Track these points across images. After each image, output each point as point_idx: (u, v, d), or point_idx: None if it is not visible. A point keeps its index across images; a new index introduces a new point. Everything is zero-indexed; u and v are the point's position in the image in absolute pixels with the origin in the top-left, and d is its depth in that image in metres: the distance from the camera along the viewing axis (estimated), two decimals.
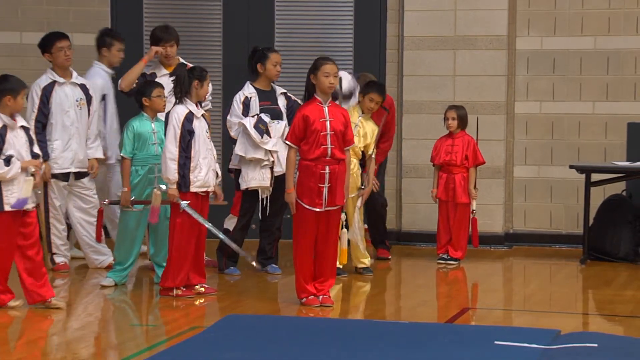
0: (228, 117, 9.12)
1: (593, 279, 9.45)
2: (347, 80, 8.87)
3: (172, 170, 7.93)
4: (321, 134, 7.54)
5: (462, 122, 9.88)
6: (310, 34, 11.23)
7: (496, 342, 6.64)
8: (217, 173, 8.22)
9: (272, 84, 9.20)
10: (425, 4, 10.84)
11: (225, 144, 10.11)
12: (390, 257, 10.13)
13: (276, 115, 9.10)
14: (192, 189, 8.00)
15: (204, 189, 8.09)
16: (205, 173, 8.05)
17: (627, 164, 10.14)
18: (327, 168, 7.57)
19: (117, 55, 9.69)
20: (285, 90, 9.28)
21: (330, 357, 6.29)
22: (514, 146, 11.04)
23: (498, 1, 10.75)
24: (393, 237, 10.71)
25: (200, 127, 8.05)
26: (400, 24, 10.99)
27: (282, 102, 9.19)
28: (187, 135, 7.96)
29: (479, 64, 10.81)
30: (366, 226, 9.70)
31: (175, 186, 7.95)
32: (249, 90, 9.10)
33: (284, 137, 9.08)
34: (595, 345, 6.61)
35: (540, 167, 10.96)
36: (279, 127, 9.00)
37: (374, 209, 9.85)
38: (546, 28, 10.86)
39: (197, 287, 8.20)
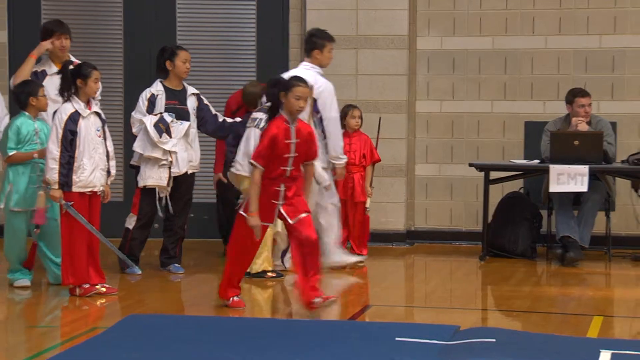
0: (132, 114, 9.08)
1: (492, 275, 9.58)
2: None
3: (53, 170, 7.86)
4: (284, 156, 7.26)
5: (362, 121, 9.97)
6: (212, 31, 11.19)
7: (397, 339, 6.68)
8: (108, 172, 8.14)
9: (184, 83, 9.15)
10: (327, 3, 10.88)
11: (128, 141, 10.00)
12: None
13: (182, 116, 9.04)
14: (75, 189, 7.93)
15: (89, 189, 8.01)
16: (89, 173, 7.98)
17: (524, 162, 10.30)
18: (282, 186, 7.32)
19: None
20: (198, 92, 9.23)
21: (234, 356, 6.26)
22: (416, 145, 11.14)
23: (398, 1, 10.83)
24: None
25: (87, 126, 7.96)
26: (302, 22, 11.01)
27: (192, 103, 9.15)
28: (69, 135, 7.88)
29: (380, 63, 10.88)
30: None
31: (57, 186, 7.86)
32: (156, 87, 9.06)
33: (189, 138, 9.06)
34: (494, 340, 6.69)
35: (441, 165, 11.08)
36: (181, 128, 8.95)
37: None
38: (446, 28, 10.97)
39: (97, 286, 8.11)
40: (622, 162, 9.96)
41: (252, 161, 7.29)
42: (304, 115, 8.72)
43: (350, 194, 9.91)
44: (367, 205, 9.94)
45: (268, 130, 7.27)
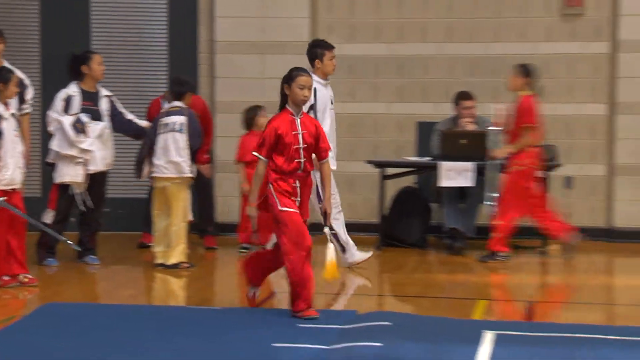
0: (48, 112, 9.00)
1: (387, 263, 9.65)
2: None
3: None
4: (294, 147, 6.76)
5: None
6: (126, 35, 11.08)
7: (299, 325, 6.70)
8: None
9: (98, 86, 9.08)
10: (235, 10, 10.85)
11: (45, 139, 9.85)
12: (217, 246, 10.14)
13: (96, 117, 8.99)
14: (0, 186, 7.81)
15: (12, 187, 7.90)
16: (12, 171, 7.87)
17: (417, 159, 10.41)
18: (297, 182, 6.81)
19: None
20: (111, 94, 9.16)
21: (147, 343, 6.21)
22: None
23: (300, 10, 10.86)
24: None
25: (7, 127, 7.86)
26: (211, 28, 10.96)
27: (105, 105, 9.08)
28: None
29: (285, 67, 10.80)
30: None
31: None
32: (72, 89, 9.01)
33: (103, 137, 9.00)
34: (389, 323, 6.75)
35: (342, 162, 11.08)
36: (97, 128, 8.94)
37: (206, 199, 9.93)
38: (345, 35, 11.02)
39: (20, 276, 7.98)
40: (505, 158, 10.09)
41: (255, 153, 6.86)
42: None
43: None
44: None
45: (269, 124, 6.86)
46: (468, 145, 9.79)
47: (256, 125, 9.85)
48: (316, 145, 6.85)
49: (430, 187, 10.23)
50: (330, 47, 8.89)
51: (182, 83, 9.12)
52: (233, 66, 10.91)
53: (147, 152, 8.99)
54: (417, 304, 7.95)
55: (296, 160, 6.76)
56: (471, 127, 10.08)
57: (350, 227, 10.63)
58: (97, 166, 8.95)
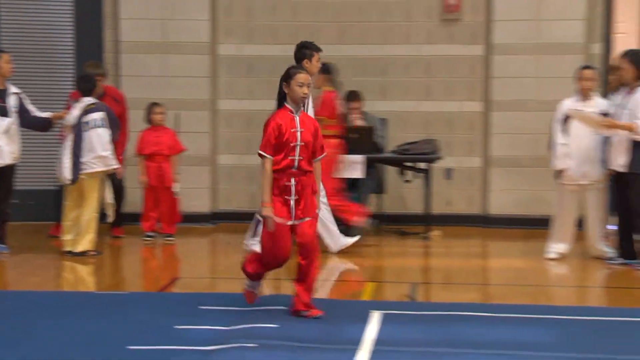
0: None
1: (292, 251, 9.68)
2: None
3: None
4: (291, 144, 6.34)
5: (166, 116, 10.07)
6: (34, 35, 10.89)
7: (200, 307, 6.71)
8: None
9: (6, 83, 8.94)
10: (138, 12, 10.77)
11: None
12: (123, 235, 10.10)
13: (3, 113, 8.86)
14: None
15: None
16: None
17: None
18: (292, 180, 6.37)
19: None
20: (19, 92, 9.03)
21: (55, 327, 6.16)
22: (218, 138, 11.17)
23: (201, 13, 10.84)
24: None
25: None
26: (116, 30, 10.85)
27: (13, 102, 8.95)
28: None
29: (186, 66, 10.85)
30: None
31: None
32: None
33: (10, 132, 8.87)
34: (286, 306, 6.80)
35: (241, 155, 11.13)
36: (4, 124, 8.83)
37: (117, 191, 9.85)
38: (243, 37, 11.03)
39: None
40: (392, 152, 10.26)
41: (260, 152, 6.38)
42: None
43: (160, 180, 9.92)
44: (176, 189, 9.96)
45: (271, 120, 6.41)
46: (357, 139, 9.91)
47: (152, 121, 9.94)
48: (313, 143, 6.42)
49: None
50: (318, 50, 8.94)
51: (87, 80, 9.05)
52: (137, 65, 10.83)
53: (75, 152, 8.86)
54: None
55: (290, 158, 6.33)
56: (359, 123, 10.21)
57: (250, 216, 10.67)
58: (4, 160, 8.84)
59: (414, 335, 6.10)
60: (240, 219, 11.07)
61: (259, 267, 6.64)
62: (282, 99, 6.49)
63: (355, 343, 5.90)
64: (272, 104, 10.89)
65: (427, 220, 10.05)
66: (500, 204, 10.79)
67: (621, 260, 8.56)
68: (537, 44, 10.44)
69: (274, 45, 10.97)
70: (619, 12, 11.19)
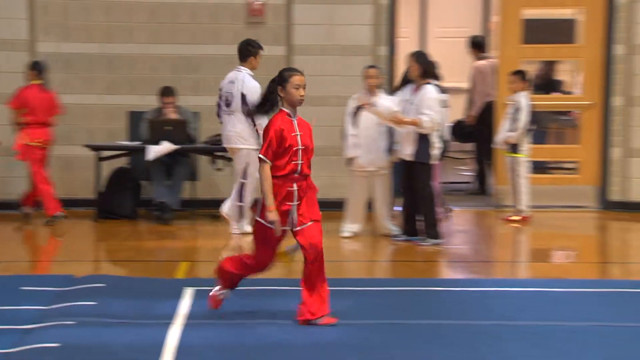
0: None
1: (102, 233, 9.49)
2: None
3: None
4: (294, 149, 5.68)
5: None
6: None
7: (21, 288, 6.48)
8: None
9: None
10: None
11: None
12: None
13: None
14: None
15: None
16: None
17: (128, 143, 10.30)
18: (294, 185, 5.72)
19: None
20: None
21: None
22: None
23: (19, 11, 10.44)
24: None
25: None
26: None
27: None
28: None
29: (11, 62, 10.41)
30: None
31: None
32: None
33: None
34: (104, 285, 6.68)
35: (61, 146, 10.70)
36: None
37: None
38: (61, 35, 10.65)
39: None
40: (204, 142, 10.22)
41: (261, 156, 5.69)
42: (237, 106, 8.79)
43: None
44: None
45: (272, 125, 5.68)
46: (172, 131, 9.85)
47: None
48: (310, 143, 5.80)
49: (141, 166, 10.13)
50: (262, 48, 8.99)
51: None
52: None
53: None
54: (129, 268, 7.89)
55: (293, 162, 5.69)
56: (174, 116, 10.10)
57: (69, 203, 10.38)
58: None
59: (224, 308, 6.11)
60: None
61: (242, 269, 5.91)
62: (267, 102, 5.79)
63: (169, 318, 5.85)
64: (88, 98, 10.76)
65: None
66: (321, 189, 10.87)
67: (405, 237, 8.87)
68: (332, 45, 10.64)
69: (90, 43, 10.66)
70: (402, 19, 11.55)
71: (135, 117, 10.43)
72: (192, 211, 10.21)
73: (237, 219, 9.02)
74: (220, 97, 9.09)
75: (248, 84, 8.84)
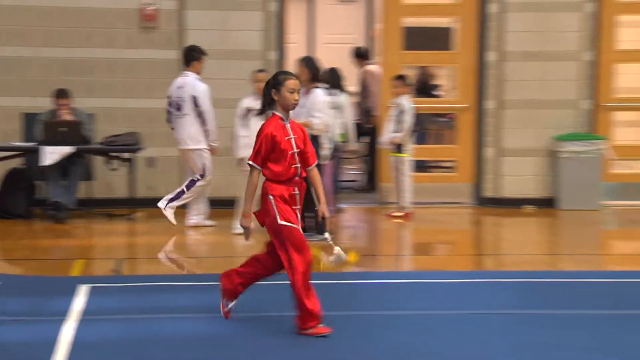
0: None
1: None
2: None
3: None
4: (289, 152, 5.37)
5: None
6: None
7: None
8: None
9: None
10: None
11: None
12: None
13: None
14: None
15: None
16: None
17: (23, 144, 10.02)
18: (296, 189, 5.41)
19: None
20: None
21: None
22: None
23: None
24: None
25: None
26: None
27: None
28: None
29: None
30: None
31: None
32: None
33: None
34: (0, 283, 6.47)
35: None
36: None
37: None
38: None
39: None
40: (99, 143, 10.00)
41: (250, 162, 5.40)
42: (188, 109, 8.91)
43: None
44: None
45: (263, 130, 5.39)
46: (67, 132, 9.61)
47: None
48: (305, 147, 5.49)
49: (36, 167, 9.84)
50: (205, 53, 9.15)
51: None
52: None
53: None
54: (25, 266, 7.67)
55: (293, 166, 5.39)
56: (69, 118, 9.86)
57: None
58: None
59: (119, 304, 6.03)
60: None
61: (236, 284, 5.58)
62: (266, 105, 5.49)
63: (62, 314, 5.70)
64: None
65: (132, 204, 9.89)
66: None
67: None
68: (224, 50, 10.58)
69: None
70: (290, 26, 11.59)
71: (29, 119, 10.16)
72: (87, 210, 9.99)
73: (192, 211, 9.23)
74: (169, 104, 9.24)
75: (198, 87, 9.07)
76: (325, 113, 8.60)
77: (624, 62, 11.08)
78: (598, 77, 10.86)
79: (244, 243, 8.76)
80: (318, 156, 8.56)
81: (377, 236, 9.84)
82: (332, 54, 13.55)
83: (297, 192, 5.38)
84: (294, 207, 5.36)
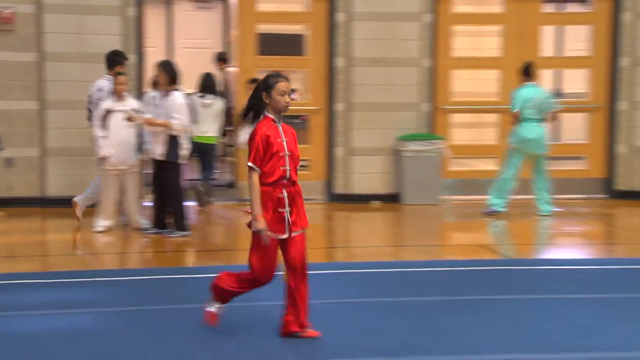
0: None
1: None
2: None
3: None
4: (280, 154, 5.17)
5: None
6: None
7: None
8: None
9: None
10: None
11: None
12: None
13: None
14: None
15: None
16: None
17: None
18: (284, 191, 5.19)
19: None
20: None
21: None
22: None
23: None
24: None
25: None
26: None
27: None
28: None
29: None
30: None
31: None
32: None
33: None
34: None
35: None
36: None
37: None
38: None
39: None
40: None
41: (250, 164, 5.16)
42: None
43: None
44: None
45: (257, 132, 5.16)
46: None
47: None
48: (295, 149, 5.31)
49: None
50: (126, 58, 9.21)
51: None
52: None
53: None
54: None
55: (282, 168, 5.19)
56: None
57: None
58: None
59: None
60: None
61: (242, 285, 5.37)
62: (252, 107, 5.26)
63: None
64: None
65: None
66: (57, 188, 10.60)
67: (155, 230, 8.87)
68: (83, 53, 10.39)
69: None
70: (149, 30, 11.49)
71: None
72: None
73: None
74: (90, 103, 9.13)
75: None
76: (183, 114, 8.63)
77: (459, 68, 11.65)
78: (436, 82, 11.38)
79: (106, 240, 8.72)
80: (177, 156, 8.68)
81: (234, 232, 9.93)
82: (190, 58, 13.56)
83: (284, 194, 5.20)
84: (280, 210, 5.19)
